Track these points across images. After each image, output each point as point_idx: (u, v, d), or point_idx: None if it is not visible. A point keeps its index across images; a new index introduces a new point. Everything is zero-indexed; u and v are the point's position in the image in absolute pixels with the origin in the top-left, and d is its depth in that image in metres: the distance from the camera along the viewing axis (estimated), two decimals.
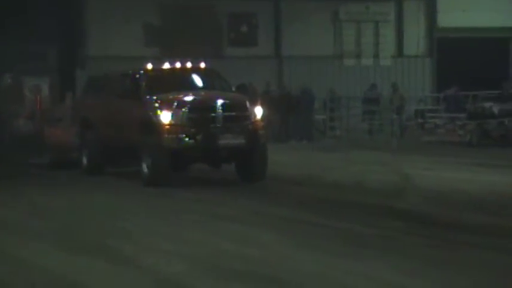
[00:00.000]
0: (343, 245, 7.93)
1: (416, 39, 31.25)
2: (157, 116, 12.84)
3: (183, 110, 12.87)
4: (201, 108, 13.26)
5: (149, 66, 14.75)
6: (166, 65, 15.05)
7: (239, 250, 7.57)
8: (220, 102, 13.21)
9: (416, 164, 16.98)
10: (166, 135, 12.66)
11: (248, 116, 13.53)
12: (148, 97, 13.56)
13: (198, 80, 15.14)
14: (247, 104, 13.75)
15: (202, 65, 15.29)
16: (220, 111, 13.01)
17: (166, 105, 12.97)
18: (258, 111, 13.53)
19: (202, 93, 14.47)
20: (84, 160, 15.48)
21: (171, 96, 13.67)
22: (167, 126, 12.64)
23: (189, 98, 13.66)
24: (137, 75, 14.60)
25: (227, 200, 11.65)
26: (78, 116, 16.71)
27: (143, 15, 26.26)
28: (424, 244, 8.16)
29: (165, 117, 12.71)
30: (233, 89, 14.98)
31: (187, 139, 12.65)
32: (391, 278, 6.11)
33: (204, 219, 9.77)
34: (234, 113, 13.33)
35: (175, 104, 13.03)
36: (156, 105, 13.12)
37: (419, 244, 8.20)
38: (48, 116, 20.67)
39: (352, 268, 6.53)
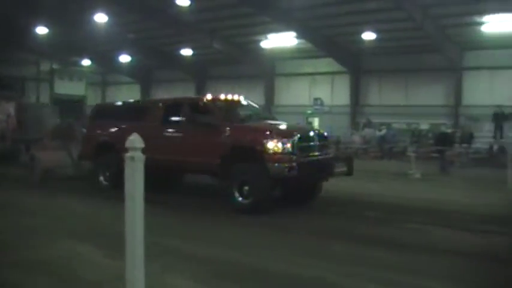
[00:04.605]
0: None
1: None
2: (261, 144, 11.19)
3: (294, 139, 11.36)
4: (306, 139, 11.88)
5: (209, 96, 13.45)
6: (222, 96, 13.62)
7: None
8: (313, 132, 12.50)
9: None
10: (275, 164, 10.96)
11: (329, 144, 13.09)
12: (232, 124, 12.35)
13: (252, 110, 14.30)
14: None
15: (242, 98, 14.35)
16: (317, 140, 12.20)
17: (272, 134, 11.47)
18: None
19: (284, 123, 13.51)
20: (101, 178, 14.70)
21: (271, 125, 12.75)
22: (277, 155, 11.03)
23: (289, 128, 12.66)
24: (202, 104, 13.08)
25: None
26: (93, 140, 15.36)
27: None
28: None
29: (273, 145, 11.10)
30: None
31: (300, 168, 11.04)
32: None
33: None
34: (324, 142, 12.60)
35: (283, 133, 11.71)
36: (259, 133, 11.69)
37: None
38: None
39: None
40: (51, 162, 17.55)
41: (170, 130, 13.52)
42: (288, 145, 11.20)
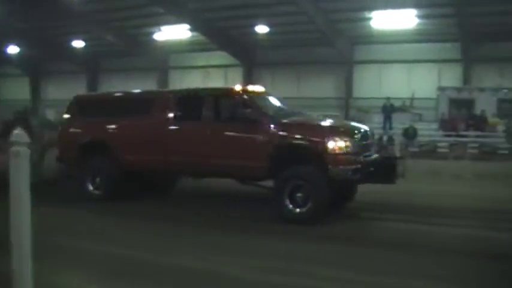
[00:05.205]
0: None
1: None
2: (322, 143, 9.52)
3: (356, 137, 9.88)
4: (365, 136, 10.32)
5: (238, 87, 11.07)
6: (250, 87, 11.57)
7: None
8: (364, 128, 10.68)
9: None
10: (336, 165, 9.43)
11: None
12: (278, 120, 10.26)
13: (281, 103, 12.02)
14: None
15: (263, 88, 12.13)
16: (371, 138, 10.83)
17: (333, 131, 9.96)
18: None
19: (326, 117, 12.59)
20: (90, 186, 11.99)
21: (327, 121, 11.17)
22: (339, 155, 9.48)
23: (344, 123, 11.85)
24: (234, 96, 10.82)
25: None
26: (77, 139, 12.41)
27: None
28: None
29: (335, 144, 9.49)
30: None
31: (366, 169, 9.75)
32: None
33: None
34: (374, 140, 11.44)
35: (344, 130, 10.11)
36: (317, 130, 10.09)
37: None
38: None
39: None
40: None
41: (189, 127, 11.16)
42: (350, 144, 9.60)
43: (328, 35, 33.48)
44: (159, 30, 36.03)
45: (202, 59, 40.08)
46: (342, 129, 10.18)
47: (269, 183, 10.30)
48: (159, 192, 12.86)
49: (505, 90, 29.21)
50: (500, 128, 27.47)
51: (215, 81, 38.99)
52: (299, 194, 9.57)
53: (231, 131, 10.52)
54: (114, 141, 11.90)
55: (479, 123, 28.24)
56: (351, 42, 35.12)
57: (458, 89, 31.03)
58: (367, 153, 10.17)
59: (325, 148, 9.50)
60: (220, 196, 12.74)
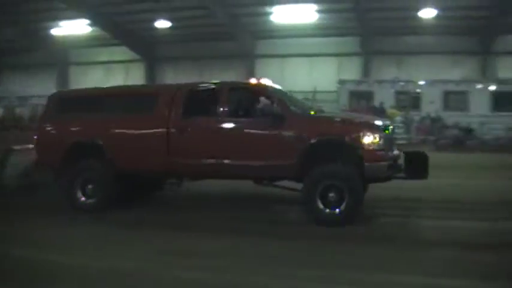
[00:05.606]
0: None
1: None
2: (357, 138, 8.89)
3: (387, 131, 9.34)
4: (392, 131, 9.88)
5: (254, 80, 10.86)
6: (265, 80, 10.91)
7: None
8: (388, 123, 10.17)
9: None
10: (372, 162, 8.83)
11: None
12: (306, 115, 9.84)
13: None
14: None
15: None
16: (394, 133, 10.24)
17: (367, 126, 9.26)
18: None
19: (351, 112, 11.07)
20: (79, 194, 10.32)
21: (356, 115, 11.39)
22: (374, 151, 8.89)
23: (372, 117, 11.04)
24: (255, 90, 10.32)
25: None
26: (63, 140, 10.69)
27: None
28: None
29: (370, 139, 8.89)
30: None
31: (396, 165, 9.42)
32: None
33: None
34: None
35: (376, 125, 9.41)
36: (351, 125, 9.44)
37: None
38: None
39: None
40: None
41: (204, 124, 9.97)
42: (383, 139, 9.02)
43: (230, 30, 33.61)
44: (58, 25, 35.07)
45: (104, 54, 39.44)
46: (374, 124, 9.47)
47: (284, 183, 9.80)
48: (145, 197, 11.79)
49: (402, 83, 30.07)
50: (399, 119, 28.29)
51: (117, 77, 38.41)
52: (331, 194, 8.84)
53: (255, 128, 9.61)
54: (110, 142, 10.34)
55: (378, 114, 28.95)
56: (253, 36, 35.38)
57: (358, 82, 31.70)
58: (393, 149, 9.71)
59: (361, 144, 8.90)
60: (213, 199, 12.02)
